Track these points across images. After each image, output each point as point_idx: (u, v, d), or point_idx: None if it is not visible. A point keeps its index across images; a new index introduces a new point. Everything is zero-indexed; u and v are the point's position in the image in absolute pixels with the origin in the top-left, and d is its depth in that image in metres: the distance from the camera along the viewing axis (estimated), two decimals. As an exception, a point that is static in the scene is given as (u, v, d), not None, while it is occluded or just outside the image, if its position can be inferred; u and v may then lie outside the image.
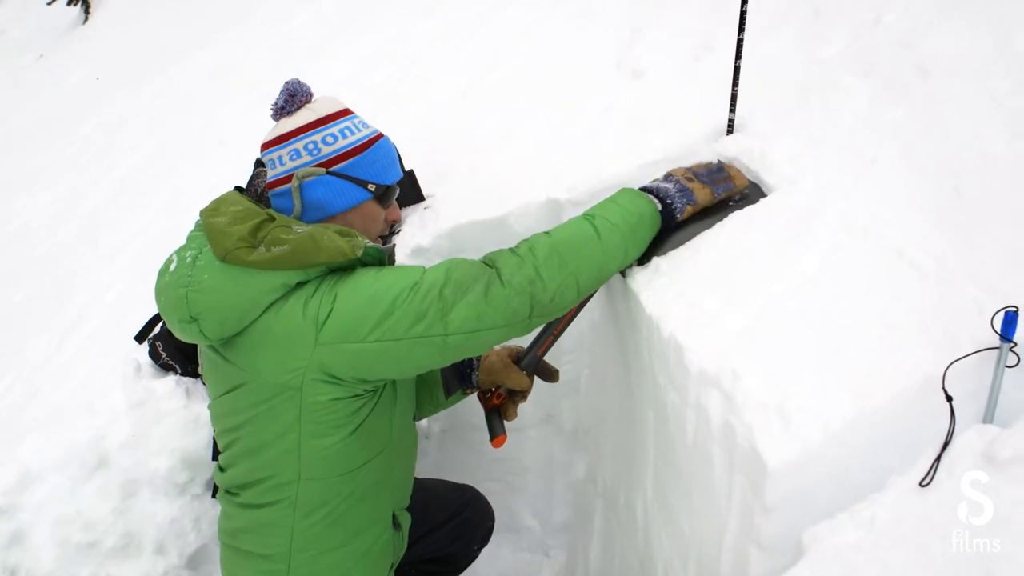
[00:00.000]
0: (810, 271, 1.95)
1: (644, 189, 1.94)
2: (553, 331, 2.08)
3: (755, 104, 2.50)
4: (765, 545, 1.66)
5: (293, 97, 1.76)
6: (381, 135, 1.86)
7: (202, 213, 1.70)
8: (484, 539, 2.53)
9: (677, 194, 1.94)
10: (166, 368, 2.60)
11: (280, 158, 1.75)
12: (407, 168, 2.87)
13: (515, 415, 2.12)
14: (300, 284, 1.63)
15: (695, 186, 1.96)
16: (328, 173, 1.74)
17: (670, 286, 2.09)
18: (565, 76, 3.25)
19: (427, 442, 3.15)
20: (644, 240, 1.90)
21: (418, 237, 2.71)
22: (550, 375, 2.12)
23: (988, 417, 1.61)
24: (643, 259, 2.06)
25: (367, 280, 1.64)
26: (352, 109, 1.85)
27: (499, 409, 2.07)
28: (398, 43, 4.53)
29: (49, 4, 10.69)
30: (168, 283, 1.67)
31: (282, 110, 1.77)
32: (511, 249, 1.71)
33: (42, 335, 3.46)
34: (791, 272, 1.96)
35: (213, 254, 1.62)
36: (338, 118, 1.78)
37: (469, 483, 2.57)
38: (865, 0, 2.57)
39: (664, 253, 2.16)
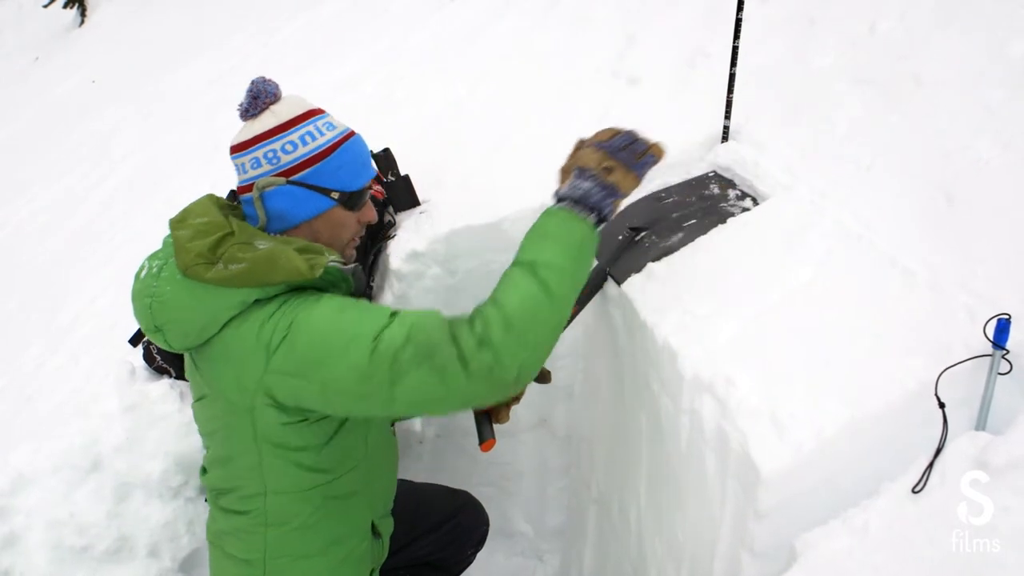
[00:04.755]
0: (804, 278, 1.96)
1: (564, 198, 1.63)
2: None
3: (750, 112, 2.51)
4: (758, 551, 1.66)
5: (257, 99, 1.69)
6: (348, 137, 1.76)
7: (170, 223, 1.67)
8: (479, 543, 2.52)
9: (600, 195, 1.62)
10: (160, 371, 2.59)
11: (243, 165, 1.70)
12: (403, 173, 2.87)
13: (507, 418, 2.06)
14: (259, 302, 1.58)
15: (617, 176, 1.66)
16: (288, 182, 1.68)
17: (664, 292, 2.10)
18: (561, 83, 3.26)
19: (421, 447, 3.15)
20: (589, 267, 1.64)
21: (413, 242, 2.72)
22: (543, 377, 2.08)
23: (981, 424, 1.62)
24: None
25: (326, 314, 1.54)
26: (321, 108, 1.76)
27: (489, 413, 2.04)
28: (395, 50, 4.54)
29: (46, 7, 10.69)
30: (138, 290, 1.66)
31: (246, 112, 1.71)
32: (469, 323, 1.50)
33: (35, 341, 3.45)
34: (785, 279, 1.97)
35: (176, 267, 1.60)
36: (301, 122, 1.70)
37: (463, 487, 2.56)
38: (860, 10, 2.59)
39: (659, 259, 2.17)
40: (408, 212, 2.91)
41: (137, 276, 1.68)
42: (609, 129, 1.76)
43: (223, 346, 1.61)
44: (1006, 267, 1.78)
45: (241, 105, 1.71)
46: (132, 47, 8.14)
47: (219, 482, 1.83)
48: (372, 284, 2.78)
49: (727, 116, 2.46)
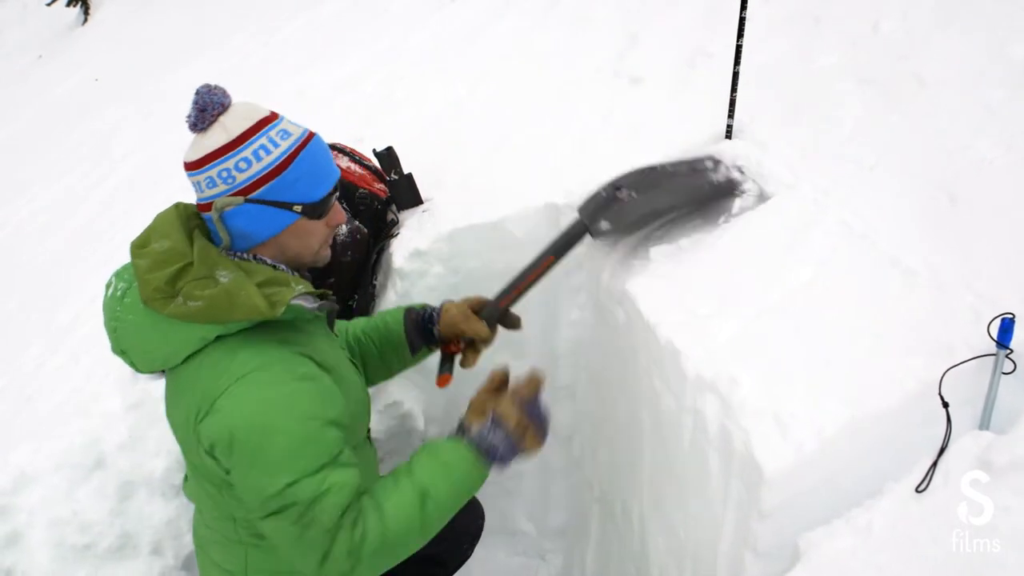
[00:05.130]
0: (806, 278, 1.96)
1: (474, 440, 1.67)
2: (517, 286, 2.06)
3: (753, 111, 2.51)
4: (761, 551, 1.66)
5: (204, 112, 1.57)
6: (305, 143, 1.62)
7: (131, 247, 1.60)
8: (474, 538, 2.48)
9: (507, 452, 1.68)
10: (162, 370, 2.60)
11: (199, 184, 1.60)
12: (406, 172, 2.88)
13: (474, 363, 2.03)
14: (221, 338, 1.53)
15: (528, 439, 1.71)
16: (247, 201, 1.57)
17: (667, 291, 2.10)
18: (562, 82, 3.26)
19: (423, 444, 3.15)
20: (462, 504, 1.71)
21: (416, 240, 2.72)
22: (513, 324, 2.05)
23: (984, 423, 1.62)
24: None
25: (265, 396, 1.48)
26: (274, 114, 1.63)
27: (455, 354, 2.04)
28: (395, 50, 4.54)
29: (49, 5, 10.69)
30: (105, 308, 1.63)
31: (195, 126, 1.58)
32: (352, 527, 1.53)
33: (36, 340, 3.45)
34: (788, 278, 1.97)
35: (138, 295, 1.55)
36: (252, 135, 1.57)
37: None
38: (863, 10, 2.59)
39: (639, 218, 2.22)
40: (411, 211, 2.91)
41: (105, 291, 1.64)
42: (533, 381, 1.78)
43: (181, 381, 1.57)
44: (1008, 267, 1.78)
45: (189, 117, 1.58)
46: (134, 46, 8.15)
47: (194, 498, 1.81)
48: (375, 282, 2.78)
49: (731, 115, 2.46)
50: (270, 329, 1.56)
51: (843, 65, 2.48)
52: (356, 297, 2.72)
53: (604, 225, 2.22)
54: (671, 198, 2.28)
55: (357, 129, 3.42)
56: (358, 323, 2.11)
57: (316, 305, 1.59)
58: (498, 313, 2.05)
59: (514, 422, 1.69)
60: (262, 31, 6.27)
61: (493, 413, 1.71)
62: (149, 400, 2.46)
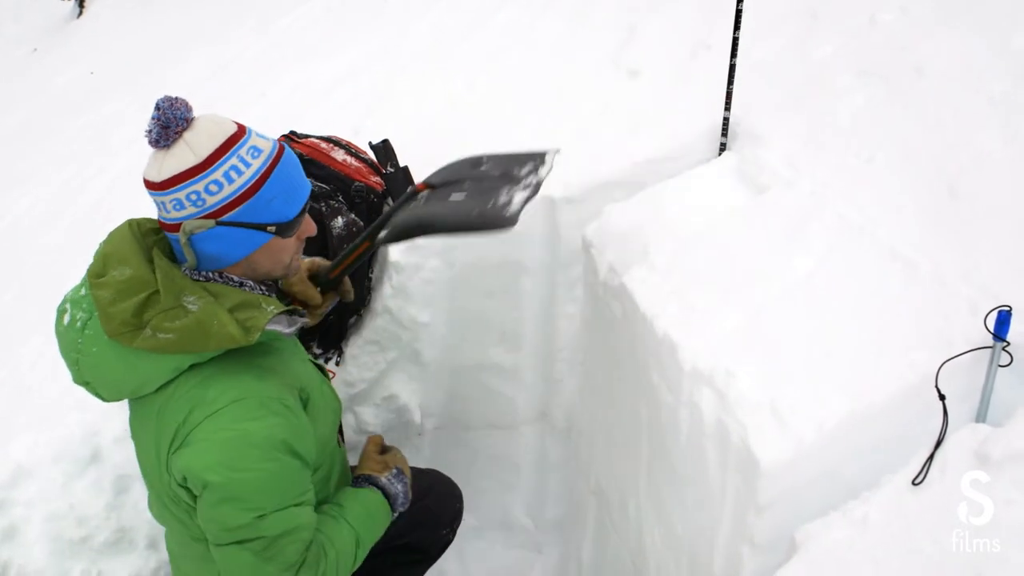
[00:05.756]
0: (805, 271, 1.95)
1: (385, 488, 1.86)
2: (347, 258, 1.95)
3: (751, 103, 2.50)
4: (758, 543, 1.66)
5: (168, 129, 1.46)
6: (276, 160, 1.54)
7: (87, 275, 1.53)
8: (452, 522, 2.43)
9: (404, 502, 1.89)
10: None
11: (164, 204, 1.49)
12: (402, 165, 2.86)
13: (314, 322, 1.98)
14: (195, 366, 1.49)
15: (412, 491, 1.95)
16: (218, 223, 1.49)
17: (664, 284, 2.10)
18: (562, 74, 3.25)
19: (420, 439, 3.14)
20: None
21: (413, 234, 2.72)
22: (343, 294, 2.00)
23: (981, 416, 1.62)
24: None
25: (241, 431, 1.46)
26: (242, 128, 1.53)
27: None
28: (394, 42, 4.52)
29: (43, -3, 10.65)
30: (61, 336, 1.55)
31: (156, 143, 1.47)
32: (316, 561, 1.59)
33: (34, 333, 3.44)
34: (786, 271, 1.97)
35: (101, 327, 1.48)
36: (223, 155, 1.47)
37: (462, 480, 2.54)
38: (861, 1, 2.58)
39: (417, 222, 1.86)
40: (408, 204, 2.90)
41: (58, 317, 1.56)
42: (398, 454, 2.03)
43: (152, 406, 1.53)
44: (1007, 260, 1.78)
45: (149, 133, 1.47)
46: (130, 39, 8.12)
47: (161, 520, 1.78)
48: (371, 276, 2.77)
49: (727, 107, 2.45)
50: (243, 354, 1.51)
51: (842, 57, 2.47)
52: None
53: (383, 234, 1.90)
54: (443, 216, 1.86)
55: (355, 121, 3.41)
56: None
57: (291, 329, 1.57)
58: (328, 281, 1.97)
59: (409, 476, 1.94)
60: (260, 23, 6.25)
61: (397, 467, 1.93)
62: (145, 393, 2.46)
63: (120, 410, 2.44)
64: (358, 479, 1.87)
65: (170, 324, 1.43)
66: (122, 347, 1.46)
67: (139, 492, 2.35)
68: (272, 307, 1.53)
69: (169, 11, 8.35)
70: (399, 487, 1.88)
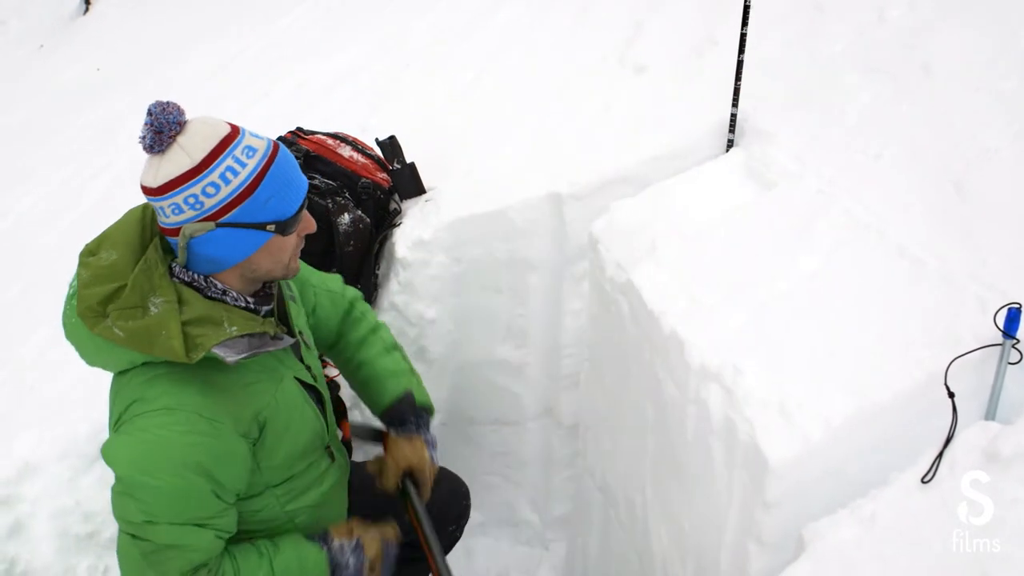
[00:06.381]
0: (812, 268, 1.95)
1: (334, 554, 1.78)
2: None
3: (758, 100, 2.49)
4: (765, 541, 1.66)
5: (161, 134, 1.45)
6: (272, 158, 1.53)
7: (81, 253, 1.57)
8: (459, 519, 2.43)
9: (353, 574, 1.81)
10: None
11: (163, 209, 1.50)
12: (408, 161, 2.86)
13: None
14: (148, 364, 1.51)
15: (376, 574, 1.86)
16: (218, 226, 1.49)
17: (671, 281, 2.09)
18: (567, 71, 3.25)
19: (426, 436, 3.15)
20: None
21: (419, 230, 2.71)
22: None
23: (990, 414, 1.61)
24: None
25: (161, 437, 1.48)
26: (235, 128, 1.53)
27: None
28: (397, 38, 4.52)
29: (49, -6, 10.65)
30: (67, 300, 1.60)
31: (151, 148, 1.47)
32: None
33: (39, 329, 3.45)
34: (793, 268, 1.96)
35: None
36: (218, 156, 1.47)
37: (468, 476, 2.54)
38: (868, -2, 2.57)
39: None
40: (413, 200, 2.90)
41: (71, 284, 1.61)
42: (396, 532, 1.94)
43: (116, 387, 1.58)
44: (1015, 257, 1.77)
45: (143, 139, 1.47)
46: (136, 36, 8.12)
47: None
48: (378, 272, 2.77)
49: (735, 104, 2.44)
50: (199, 364, 1.49)
51: (850, 54, 2.46)
52: (359, 287, 2.71)
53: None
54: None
55: (361, 118, 3.41)
56: (374, 346, 2.10)
57: (235, 359, 1.50)
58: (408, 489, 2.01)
59: (372, 554, 1.83)
60: (263, 21, 6.25)
61: (359, 539, 1.82)
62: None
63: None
64: (321, 533, 1.81)
65: (123, 323, 1.46)
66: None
67: (145, 488, 2.35)
68: (235, 328, 1.52)
69: (174, 9, 8.36)
70: (350, 560, 1.79)
